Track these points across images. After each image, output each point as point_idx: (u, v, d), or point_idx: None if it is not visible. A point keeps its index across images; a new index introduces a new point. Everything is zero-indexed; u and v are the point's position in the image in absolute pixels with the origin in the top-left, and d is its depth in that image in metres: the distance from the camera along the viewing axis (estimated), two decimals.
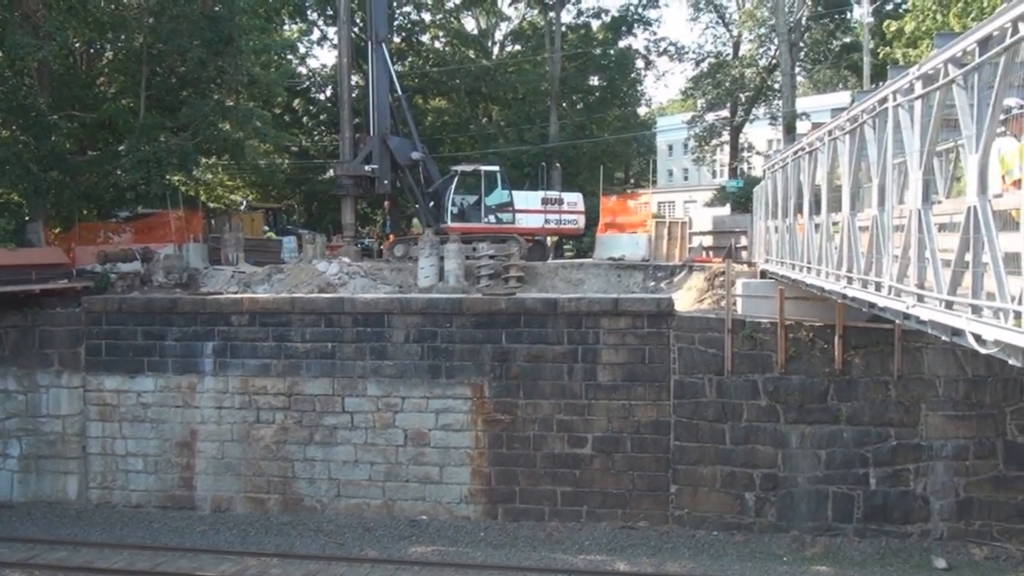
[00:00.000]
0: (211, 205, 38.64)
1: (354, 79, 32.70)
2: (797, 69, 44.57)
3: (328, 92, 45.82)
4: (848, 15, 43.30)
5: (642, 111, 58.57)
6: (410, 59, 46.08)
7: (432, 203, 28.12)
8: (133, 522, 20.59)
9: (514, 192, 28.25)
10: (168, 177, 29.25)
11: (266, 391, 20.97)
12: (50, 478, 21.91)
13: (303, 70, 46.25)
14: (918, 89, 7.86)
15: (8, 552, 18.36)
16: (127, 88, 30.66)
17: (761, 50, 44.96)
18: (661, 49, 48.22)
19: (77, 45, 29.32)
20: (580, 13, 46.94)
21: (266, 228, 35.31)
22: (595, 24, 47.11)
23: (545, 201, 28.29)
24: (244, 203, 40.71)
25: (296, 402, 20.86)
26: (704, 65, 47.14)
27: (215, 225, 31.63)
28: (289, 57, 43.15)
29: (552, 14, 44.03)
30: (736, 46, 46.95)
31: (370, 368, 20.54)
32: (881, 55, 32.44)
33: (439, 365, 20.24)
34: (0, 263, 21.52)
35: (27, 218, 27.21)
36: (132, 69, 29.70)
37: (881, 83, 11.06)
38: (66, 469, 21.85)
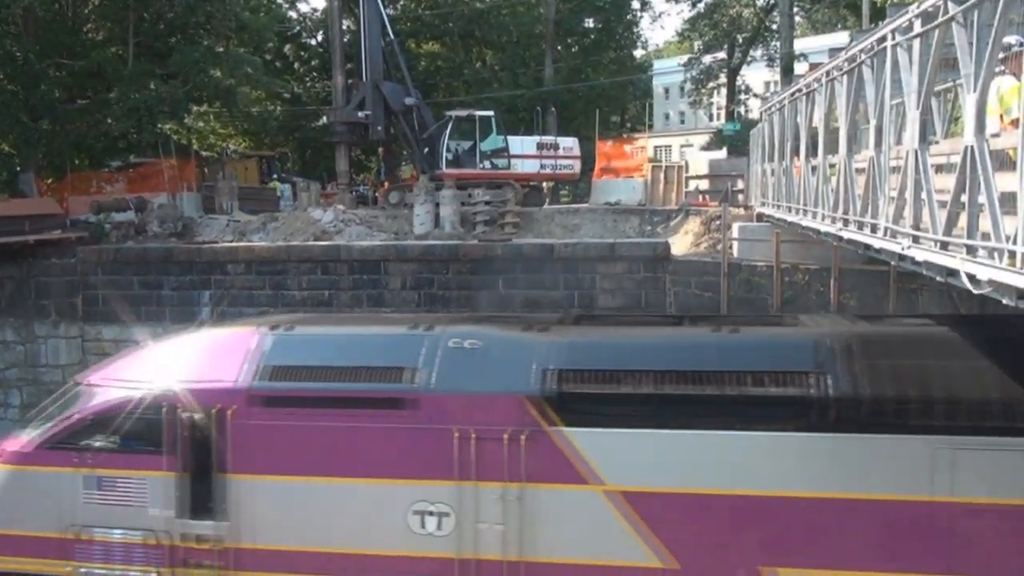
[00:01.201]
0: (204, 154, 38.31)
1: (345, 23, 32.14)
2: (795, 9, 43.89)
3: (319, 37, 45.10)
4: None
5: (638, 54, 57.77)
6: (402, 2, 45.29)
7: (426, 149, 27.88)
8: None
9: (509, 137, 28.02)
10: (159, 125, 28.95)
11: None
12: None
13: (293, 14, 45.48)
14: (917, 28, 7.76)
15: None
16: (115, 35, 30.17)
17: None
18: None
19: None
20: None
21: (274, 176, 34.91)
22: None
23: (540, 146, 28.07)
24: (227, 151, 40.25)
25: None
26: (701, 6, 46.40)
27: (208, 174, 31.40)
28: (279, 1, 42.39)
29: None
30: None
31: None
32: None
33: (436, 312, 20.30)
34: None
35: (19, 168, 27.00)
36: (119, 15, 29.19)
37: (880, 23, 10.91)
38: None
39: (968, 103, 6.37)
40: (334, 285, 20.78)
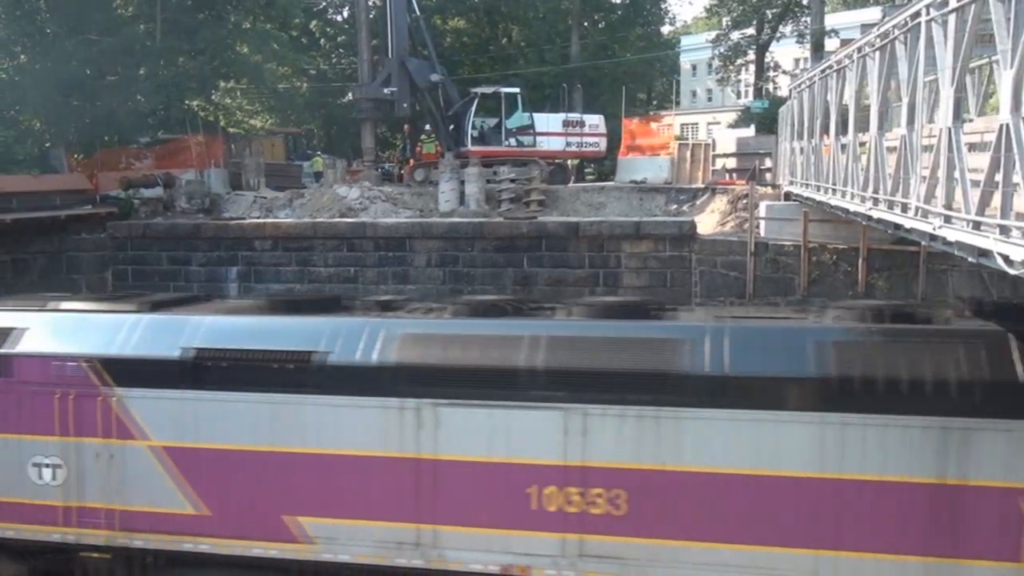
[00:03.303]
0: (231, 130, 38.52)
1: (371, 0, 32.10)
2: None
3: (345, 13, 45.08)
4: None
5: (665, 30, 57.22)
6: None
7: (452, 126, 27.84)
8: None
9: (535, 114, 27.89)
10: (187, 102, 29.11)
11: None
12: None
13: None
14: (953, 2, 7.62)
15: None
16: (144, 11, 30.33)
17: None
18: None
19: None
20: None
21: (319, 155, 34.95)
22: None
23: (566, 123, 27.93)
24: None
25: None
26: None
27: (235, 150, 31.58)
28: None
29: None
30: None
31: (392, 292, 20.69)
32: None
33: (460, 289, 20.33)
34: (24, 189, 21.71)
35: (49, 144, 27.29)
36: None
37: None
38: None
39: (1004, 80, 6.25)
40: (360, 262, 20.87)
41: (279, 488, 10.22)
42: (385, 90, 27.63)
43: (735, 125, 36.09)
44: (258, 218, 23.27)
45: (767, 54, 46.57)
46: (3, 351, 10.81)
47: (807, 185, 16.33)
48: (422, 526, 9.97)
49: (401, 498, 10.02)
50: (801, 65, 41.15)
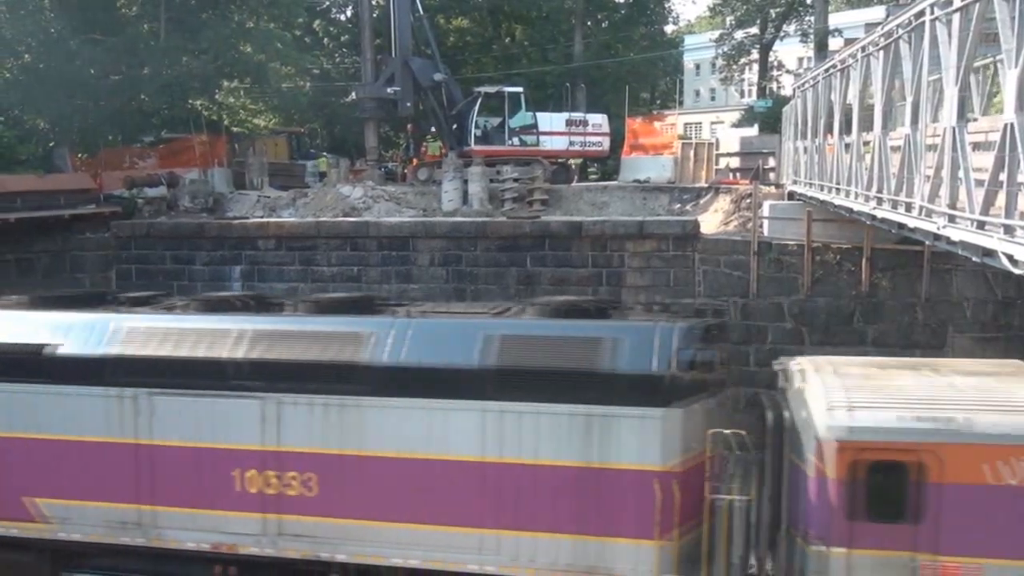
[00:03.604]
0: (234, 130, 38.54)
1: None
2: None
3: (349, 13, 45.06)
4: None
5: (669, 29, 57.05)
6: None
7: (455, 126, 27.83)
8: None
9: (538, 114, 27.86)
10: (191, 101, 29.13)
11: None
12: None
13: None
14: (957, 2, 7.60)
15: None
16: (148, 11, 30.35)
17: None
18: None
19: None
20: None
21: (324, 154, 34.97)
22: None
23: (569, 123, 27.90)
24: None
25: None
26: None
27: (239, 150, 31.59)
28: None
29: None
30: None
31: (395, 291, 20.67)
32: None
33: (464, 288, 20.34)
34: (29, 189, 21.73)
35: (53, 144, 27.32)
36: None
37: None
38: None
39: (1009, 79, 6.24)
40: (363, 261, 20.87)
41: (18, 471, 11.22)
42: (388, 89, 27.63)
43: (738, 124, 35.98)
44: (261, 217, 23.28)
45: (771, 53, 46.48)
46: None
47: (811, 184, 16.31)
48: (142, 507, 10.97)
49: (124, 481, 10.97)
50: (805, 64, 41.04)
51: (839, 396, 9.32)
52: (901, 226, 9.92)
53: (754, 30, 44.93)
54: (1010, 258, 6.35)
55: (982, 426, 8.71)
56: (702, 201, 23.16)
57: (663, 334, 9.99)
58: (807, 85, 17.45)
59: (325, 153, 35.39)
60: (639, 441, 9.76)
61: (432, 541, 10.22)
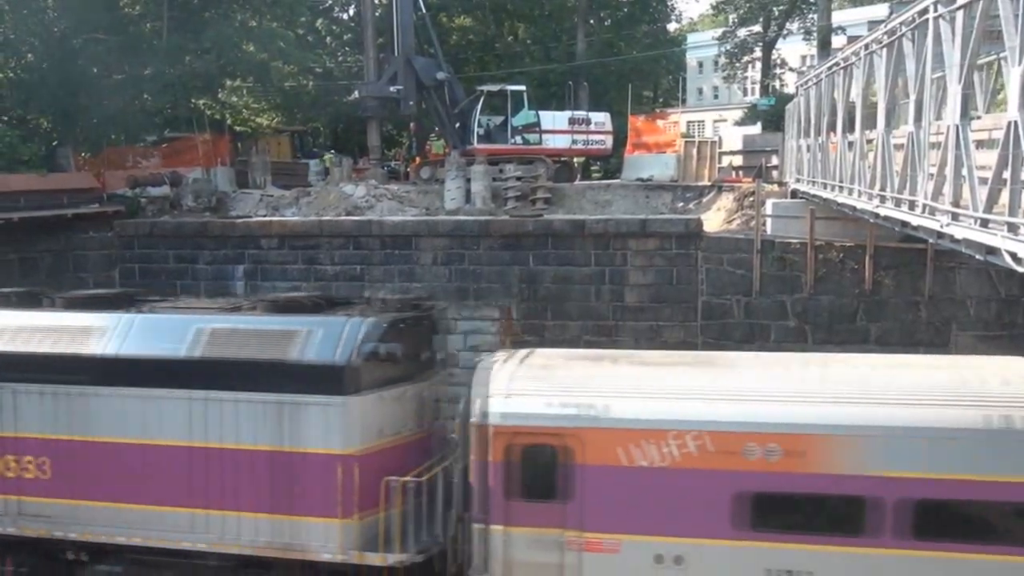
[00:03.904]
0: (237, 129, 38.56)
1: None
2: None
3: (351, 11, 45.05)
4: None
5: (672, 27, 57.04)
6: None
7: (458, 124, 27.82)
8: None
9: (541, 112, 27.84)
10: (194, 100, 29.15)
11: None
12: None
13: None
14: None
15: None
16: (150, 10, 30.36)
17: None
18: None
19: None
20: None
21: (329, 153, 34.96)
22: None
23: (572, 121, 27.88)
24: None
25: None
26: None
27: (242, 149, 31.59)
28: None
29: None
30: None
31: (398, 290, 20.67)
32: None
33: (467, 287, 20.34)
34: (32, 188, 21.76)
35: (56, 143, 27.34)
36: None
37: None
38: None
39: (1013, 76, 6.22)
40: (366, 260, 20.88)
41: None
42: (391, 88, 27.62)
43: (741, 122, 36.01)
44: (264, 216, 23.30)
45: (774, 51, 46.44)
46: None
47: (814, 183, 16.28)
48: None
49: None
50: (808, 62, 40.99)
51: (501, 385, 10.35)
52: (904, 224, 9.90)
53: (757, 28, 44.90)
54: (1013, 256, 6.33)
55: (616, 412, 9.76)
56: (705, 199, 23.14)
57: (351, 328, 10.92)
58: (810, 83, 17.43)
59: (329, 151, 35.37)
60: (324, 427, 10.70)
61: (151, 521, 11.27)
